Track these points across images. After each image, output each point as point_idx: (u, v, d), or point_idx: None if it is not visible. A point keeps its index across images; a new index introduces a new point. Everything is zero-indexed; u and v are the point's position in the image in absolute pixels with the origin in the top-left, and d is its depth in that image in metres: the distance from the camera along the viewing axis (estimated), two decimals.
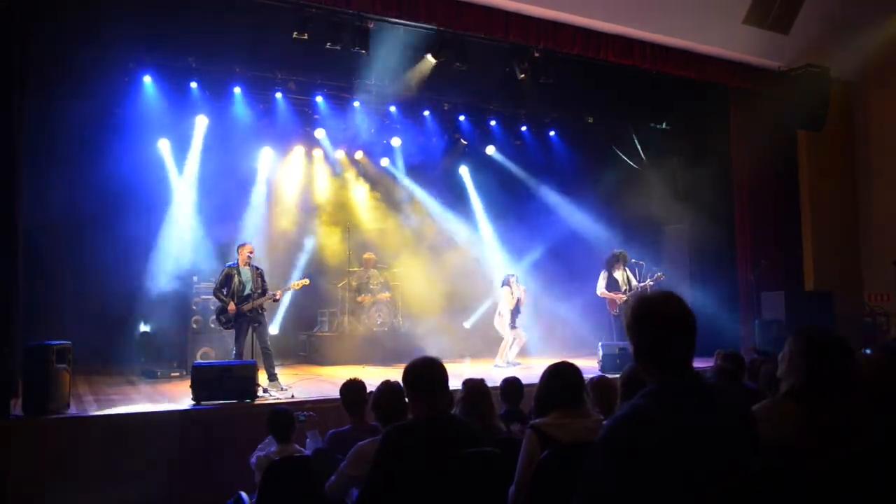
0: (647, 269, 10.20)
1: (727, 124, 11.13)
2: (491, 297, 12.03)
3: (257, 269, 8.07)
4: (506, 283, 10.38)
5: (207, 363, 7.12)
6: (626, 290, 9.88)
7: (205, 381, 6.52)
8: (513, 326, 10.24)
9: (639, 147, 12.38)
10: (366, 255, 11.96)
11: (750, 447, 1.87)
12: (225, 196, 10.70)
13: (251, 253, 8.04)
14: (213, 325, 9.66)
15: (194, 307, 9.72)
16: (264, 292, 7.96)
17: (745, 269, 10.88)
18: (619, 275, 9.99)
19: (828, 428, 1.92)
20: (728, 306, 10.79)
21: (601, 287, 9.99)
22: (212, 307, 9.66)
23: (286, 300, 11.22)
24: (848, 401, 1.97)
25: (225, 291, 7.88)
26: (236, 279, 7.88)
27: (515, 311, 10.29)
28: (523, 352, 10.72)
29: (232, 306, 7.78)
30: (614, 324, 9.99)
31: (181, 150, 10.57)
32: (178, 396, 7.14)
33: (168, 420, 6.16)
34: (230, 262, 8.06)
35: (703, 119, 11.46)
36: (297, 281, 8.42)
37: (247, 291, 7.89)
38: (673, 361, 1.91)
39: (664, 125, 12.35)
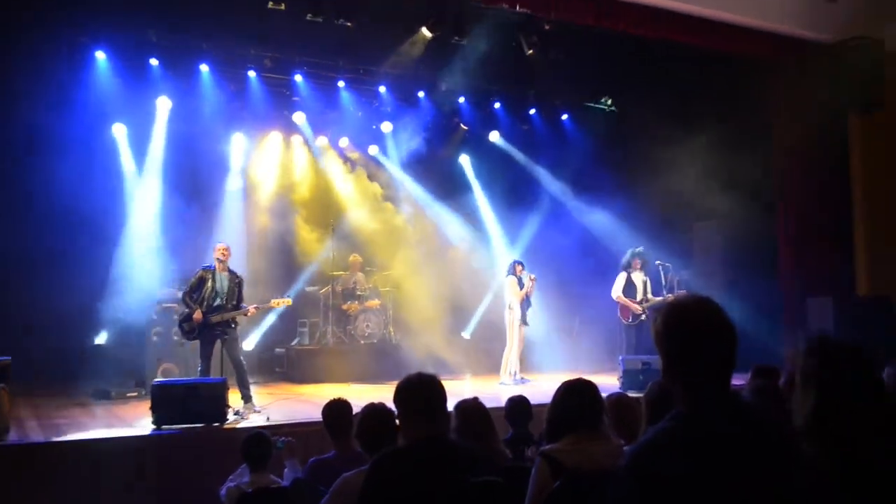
0: (673, 272, 10.20)
1: (766, 106, 11.11)
2: (490, 297, 12.02)
3: (236, 276, 8.05)
4: (511, 271, 10.32)
5: (170, 381, 7.12)
6: (642, 299, 9.93)
7: (167, 402, 6.50)
8: (524, 322, 10.18)
9: (666, 133, 12.38)
10: (351, 257, 11.94)
11: (793, 479, 1.85)
12: (190, 189, 10.69)
13: (225, 253, 8.00)
14: (176, 338, 9.63)
15: (155, 316, 9.69)
16: (238, 305, 7.94)
17: (788, 273, 10.87)
18: (637, 278, 10.04)
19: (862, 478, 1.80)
20: (769, 315, 10.78)
21: (617, 290, 10.04)
22: (175, 316, 9.63)
23: (270, 316, 11.22)
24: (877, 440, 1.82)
25: (195, 296, 7.86)
26: (209, 284, 7.87)
27: (525, 304, 10.24)
28: (532, 366, 10.70)
29: (198, 314, 7.76)
30: (625, 334, 10.03)
31: (139, 136, 10.57)
32: (135, 420, 7.11)
33: (124, 448, 6.13)
34: (207, 265, 8.05)
35: (738, 100, 11.43)
36: (277, 299, 8.38)
37: (218, 301, 7.86)
38: (707, 378, 1.89)
39: (693, 107, 12.34)
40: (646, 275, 10.12)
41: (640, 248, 10.24)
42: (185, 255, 10.00)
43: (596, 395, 3.19)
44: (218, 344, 7.85)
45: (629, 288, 10.02)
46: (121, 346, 9.49)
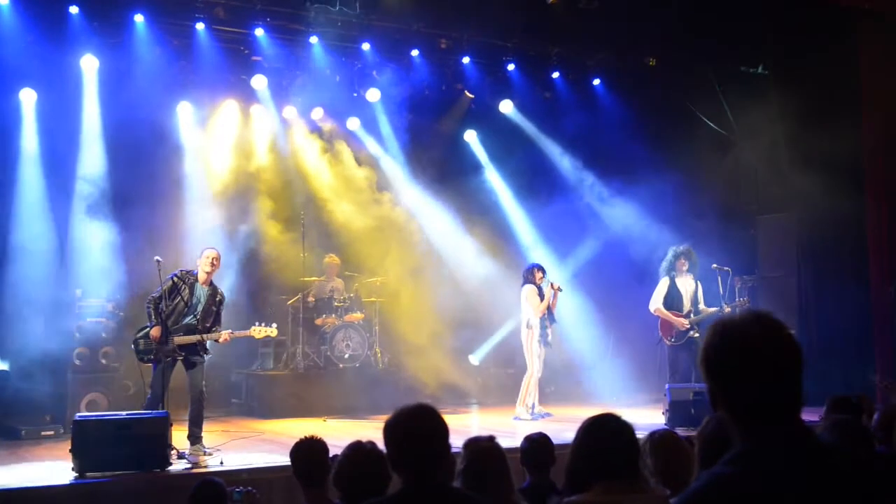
0: (731, 280, 10.17)
1: (855, 68, 11.12)
2: (513, 319, 12.02)
3: (217, 293, 8.10)
4: (528, 279, 10.26)
5: (96, 416, 7.12)
6: (689, 311, 9.83)
7: (93, 443, 6.49)
8: (544, 343, 10.11)
9: (723, 102, 12.39)
10: (327, 258, 11.96)
11: None
12: (123, 172, 10.69)
13: (216, 263, 8.04)
14: (104, 361, 9.64)
15: (77, 334, 9.70)
16: (210, 327, 7.97)
17: (881, 281, 10.87)
18: (683, 284, 9.95)
19: None
20: (855, 334, 10.79)
21: (658, 300, 9.94)
22: (104, 334, 9.64)
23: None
24: None
25: (162, 307, 7.84)
26: (184, 295, 7.91)
27: (546, 320, 10.13)
28: (554, 397, 10.70)
29: (156, 331, 7.75)
30: (669, 356, 9.99)
31: (54, 104, 10.53)
32: (52, 466, 7.10)
33: (37, 502, 6.13)
34: (188, 269, 8.09)
35: (819, 60, 11.45)
36: (261, 327, 8.30)
37: (189, 318, 7.91)
38: (770, 412, 1.91)
39: (760, 69, 12.36)
40: (695, 279, 10.05)
41: (685, 246, 10.11)
42: (115, 257, 10.00)
43: (630, 435, 3.21)
44: (174, 369, 7.87)
45: (673, 297, 9.93)
46: (32, 371, 9.48)
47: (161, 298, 7.88)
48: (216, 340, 8.05)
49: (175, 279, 7.99)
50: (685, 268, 9.97)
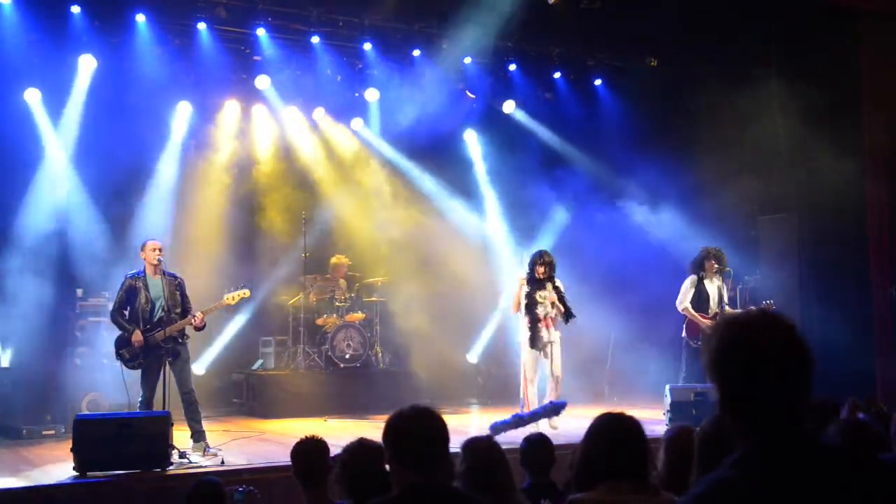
0: (735, 280, 10.13)
1: (856, 68, 11.11)
2: (499, 314, 11.98)
3: (174, 278, 8.03)
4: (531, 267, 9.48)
5: (97, 416, 7.13)
6: (716, 313, 9.55)
7: (94, 443, 6.50)
8: (532, 345, 9.34)
9: (724, 102, 12.38)
10: (335, 259, 11.94)
11: None
12: (123, 173, 10.68)
13: (160, 253, 7.96)
14: (105, 361, 9.63)
15: (78, 333, 9.70)
16: (185, 312, 7.93)
17: (883, 281, 10.85)
18: (711, 285, 9.69)
19: None
20: (856, 335, 10.77)
21: (685, 300, 9.62)
22: (104, 333, 9.64)
23: (216, 324, 11.17)
24: None
25: (127, 313, 7.84)
26: (143, 295, 7.84)
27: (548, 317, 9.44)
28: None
29: (137, 335, 7.72)
30: (687, 357, 9.82)
31: (58, 104, 10.55)
32: (53, 465, 7.11)
33: (38, 501, 6.12)
34: (133, 271, 8.02)
35: (820, 61, 11.44)
36: (232, 293, 8.30)
37: (158, 313, 7.86)
38: (775, 413, 1.89)
39: (762, 70, 12.34)
40: (722, 281, 9.73)
41: (716, 248, 9.77)
42: (118, 256, 10.01)
43: (638, 434, 3.18)
44: (163, 368, 7.82)
45: (700, 298, 9.63)
46: (33, 369, 9.47)
47: (121, 307, 7.83)
48: (192, 324, 7.91)
49: (129, 282, 7.89)
50: (714, 269, 9.64)
